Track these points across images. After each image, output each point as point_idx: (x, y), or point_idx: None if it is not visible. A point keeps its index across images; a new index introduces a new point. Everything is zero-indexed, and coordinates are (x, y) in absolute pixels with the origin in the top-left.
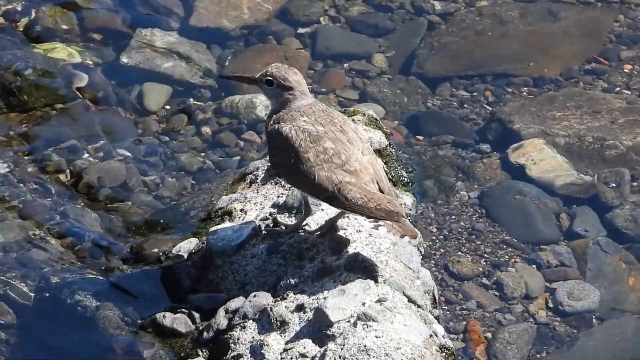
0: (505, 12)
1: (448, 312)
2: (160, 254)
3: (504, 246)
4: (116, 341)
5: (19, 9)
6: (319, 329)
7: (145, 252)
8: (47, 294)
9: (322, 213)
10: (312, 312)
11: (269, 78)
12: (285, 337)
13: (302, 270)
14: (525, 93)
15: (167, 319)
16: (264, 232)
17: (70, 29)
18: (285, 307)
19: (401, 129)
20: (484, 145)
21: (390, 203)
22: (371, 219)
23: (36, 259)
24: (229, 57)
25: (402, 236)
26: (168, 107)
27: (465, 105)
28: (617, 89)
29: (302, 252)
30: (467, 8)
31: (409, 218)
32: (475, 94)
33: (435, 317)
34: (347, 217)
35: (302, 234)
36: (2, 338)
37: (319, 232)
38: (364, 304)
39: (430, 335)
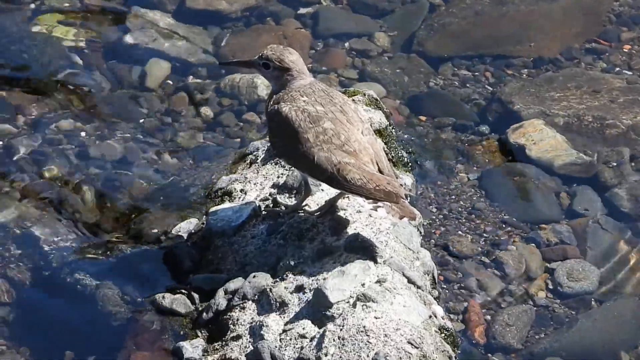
0: None
1: (448, 292)
2: (160, 234)
3: (504, 225)
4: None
5: None
6: (318, 309)
7: (145, 232)
8: (47, 273)
9: (322, 193)
10: (312, 292)
11: (265, 61)
12: (284, 317)
13: (302, 251)
14: (524, 75)
15: (167, 299)
16: (264, 212)
17: (71, 5)
18: (285, 287)
19: (402, 109)
20: (484, 127)
21: (389, 184)
22: (370, 200)
23: (36, 238)
24: (226, 38)
25: (401, 217)
26: (170, 82)
27: (467, 86)
28: (617, 69)
29: (302, 233)
30: None
31: (408, 199)
32: (476, 74)
33: (435, 298)
34: (347, 197)
35: (302, 214)
36: (1, 316)
37: (318, 213)
38: (363, 284)
39: (430, 316)
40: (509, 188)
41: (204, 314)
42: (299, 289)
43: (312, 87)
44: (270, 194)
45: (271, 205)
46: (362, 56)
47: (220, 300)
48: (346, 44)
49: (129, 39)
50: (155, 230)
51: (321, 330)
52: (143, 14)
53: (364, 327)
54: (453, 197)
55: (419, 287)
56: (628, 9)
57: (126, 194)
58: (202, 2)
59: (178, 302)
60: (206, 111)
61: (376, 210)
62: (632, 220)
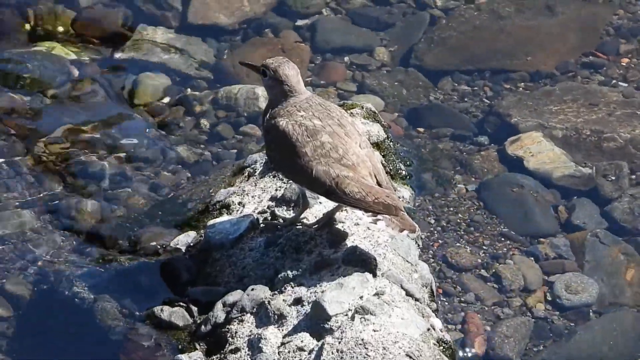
0: (502, 8)
1: (446, 304)
2: (159, 247)
3: (502, 238)
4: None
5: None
6: (316, 322)
7: (144, 245)
8: (45, 286)
9: (320, 206)
10: (310, 305)
11: (264, 68)
12: (283, 330)
13: (300, 264)
14: (522, 88)
15: (165, 312)
16: (262, 225)
17: (67, 27)
18: (283, 300)
19: (400, 122)
20: (482, 138)
21: (388, 197)
22: (369, 213)
23: (34, 251)
24: (226, 51)
25: (401, 230)
26: (166, 99)
27: (466, 99)
28: (614, 81)
29: (300, 245)
30: (467, 4)
31: (407, 211)
32: (475, 88)
33: (433, 311)
34: (345, 210)
35: (300, 227)
36: None
37: (317, 225)
38: (361, 297)
39: (428, 329)
40: (508, 200)
41: (202, 326)
42: (297, 301)
43: (308, 102)
44: (268, 207)
45: (269, 218)
46: (361, 69)
47: (219, 312)
48: (346, 58)
49: (126, 53)
50: (154, 243)
51: (319, 343)
52: (143, 31)
53: (363, 339)
54: (451, 209)
55: (417, 300)
56: (627, 22)
57: (124, 208)
58: (203, 15)
59: (176, 314)
60: (204, 124)
61: (375, 224)
62: (630, 234)
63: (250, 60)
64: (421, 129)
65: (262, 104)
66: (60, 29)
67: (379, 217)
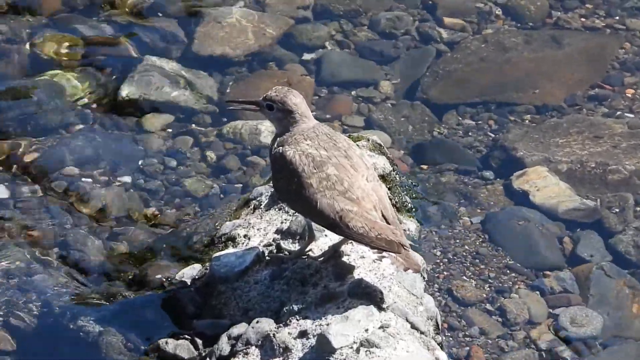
0: (508, 39)
1: (451, 338)
2: (164, 280)
3: (508, 271)
4: None
5: (21, 37)
6: (321, 355)
7: (149, 278)
8: (50, 320)
9: (325, 239)
10: (315, 338)
11: (269, 102)
12: None
13: (305, 296)
14: (528, 121)
15: (170, 345)
16: (267, 258)
17: (72, 56)
18: (288, 333)
19: (405, 158)
20: (487, 173)
21: (393, 233)
22: (375, 250)
23: (39, 285)
24: (230, 84)
25: (405, 269)
26: (170, 130)
27: (470, 133)
28: (619, 113)
29: (305, 278)
30: (473, 35)
31: (411, 245)
32: (479, 122)
33: (438, 344)
34: (351, 243)
35: (306, 259)
36: None
37: (322, 258)
38: (367, 330)
39: None
40: (513, 232)
41: (207, 359)
42: (303, 334)
43: (315, 131)
44: (273, 240)
45: (275, 251)
46: (367, 102)
47: (224, 345)
48: (353, 92)
49: (131, 86)
50: (159, 277)
51: None
52: (148, 62)
53: None
54: (457, 241)
55: (422, 333)
56: (632, 56)
57: (130, 241)
58: (208, 48)
59: (181, 347)
60: (210, 156)
61: (381, 261)
62: (636, 266)
63: (249, 95)
64: (425, 166)
65: (265, 138)
66: (65, 55)
67: (385, 254)
